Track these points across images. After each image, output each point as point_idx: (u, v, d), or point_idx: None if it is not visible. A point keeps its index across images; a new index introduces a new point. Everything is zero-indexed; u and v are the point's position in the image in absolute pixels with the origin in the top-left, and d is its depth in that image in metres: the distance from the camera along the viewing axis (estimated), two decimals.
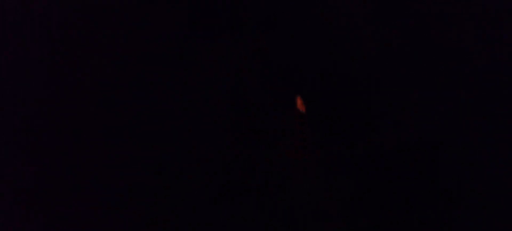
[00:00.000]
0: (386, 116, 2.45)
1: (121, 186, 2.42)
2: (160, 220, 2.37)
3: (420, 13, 2.51)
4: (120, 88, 2.51)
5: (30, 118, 2.50)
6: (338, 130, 2.45)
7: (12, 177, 2.45)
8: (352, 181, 2.40)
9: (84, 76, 2.52)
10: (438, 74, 2.48)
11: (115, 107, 2.49)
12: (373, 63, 2.49)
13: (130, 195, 2.41)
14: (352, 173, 2.41)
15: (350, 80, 2.49)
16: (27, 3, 2.58)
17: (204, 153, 2.45)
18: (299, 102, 1.86)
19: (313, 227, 2.35)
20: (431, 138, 2.43)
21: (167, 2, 2.57)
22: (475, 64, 2.48)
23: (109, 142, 2.47)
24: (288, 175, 2.42)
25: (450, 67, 2.48)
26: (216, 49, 2.52)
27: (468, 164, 2.40)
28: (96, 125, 2.48)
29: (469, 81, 2.47)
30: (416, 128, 2.44)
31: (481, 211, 2.36)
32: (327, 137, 2.44)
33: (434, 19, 2.51)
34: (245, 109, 2.48)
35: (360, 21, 2.53)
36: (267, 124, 2.46)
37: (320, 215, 2.37)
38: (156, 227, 2.37)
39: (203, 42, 2.53)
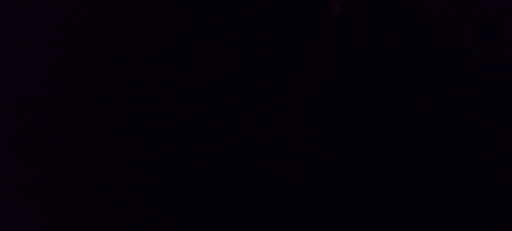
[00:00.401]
0: (386, 116, 2.45)
1: (121, 186, 2.42)
2: (160, 220, 2.37)
3: (420, 13, 2.51)
4: (120, 88, 2.51)
5: (30, 118, 2.50)
6: (338, 130, 2.45)
7: (12, 177, 2.45)
8: (352, 181, 2.40)
9: (84, 76, 2.52)
10: (438, 74, 2.48)
11: (115, 107, 2.49)
12: (373, 63, 2.49)
13: (130, 195, 2.41)
14: (352, 172, 2.41)
15: (350, 80, 2.49)
16: (27, 3, 2.58)
17: (204, 153, 2.45)
18: (334, 5, 1.80)
19: (313, 226, 2.35)
20: (431, 138, 2.43)
21: (167, 2, 2.57)
22: (475, 64, 2.48)
23: (109, 142, 2.47)
24: (288, 174, 2.42)
25: (450, 67, 2.48)
26: (216, 49, 2.52)
27: (468, 164, 2.40)
28: (96, 125, 2.48)
29: (469, 81, 2.47)
30: (417, 127, 2.44)
31: (481, 211, 2.36)
32: (327, 137, 2.44)
33: (434, 19, 2.51)
34: (245, 109, 2.48)
35: (360, 20, 2.53)
36: (267, 124, 2.46)
37: (320, 215, 2.37)
38: (156, 227, 2.37)
39: (203, 42, 2.53)
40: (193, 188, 2.41)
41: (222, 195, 2.40)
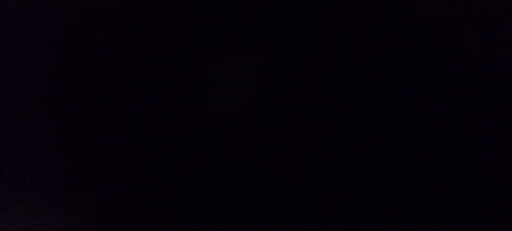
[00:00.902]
0: (386, 116, 2.45)
1: (121, 186, 2.42)
2: (160, 220, 2.37)
3: (420, 13, 2.51)
4: (120, 88, 2.51)
5: (29, 117, 2.50)
6: (338, 130, 2.45)
7: (11, 177, 2.45)
8: (352, 181, 2.40)
9: (84, 76, 2.52)
10: (438, 74, 2.48)
11: (115, 107, 2.49)
12: (373, 63, 2.49)
13: (130, 195, 2.41)
14: (352, 173, 2.41)
15: (350, 80, 2.49)
16: (27, 3, 2.58)
17: (204, 153, 2.45)
18: None
19: (313, 226, 2.35)
20: (431, 138, 2.43)
21: (167, 2, 2.57)
22: (475, 64, 2.48)
23: (109, 142, 2.47)
24: (288, 175, 2.42)
25: (450, 67, 2.48)
26: (216, 49, 2.52)
27: (468, 164, 2.40)
28: (96, 125, 2.48)
29: (469, 81, 2.47)
30: (417, 127, 2.44)
31: (481, 211, 2.36)
32: (327, 137, 2.44)
33: (434, 19, 2.51)
34: (245, 109, 2.48)
35: (360, 20, 2.53)
36: (267, 124, 2.46)
37: (320, 215, 2.37)
38: (156, 227, 2.37)
39: (203, 42, 2.53)
40: (193, 189, 2.41)
41: (222, 195, 2.40)
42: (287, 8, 2.53)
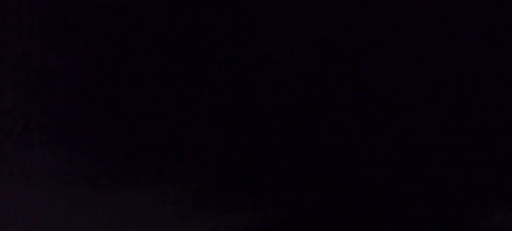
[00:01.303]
0: (386, 116, 2.45)
1: (120, 184, 2.42)
2: (160, 219, 2.38)
3: (420, 13, 2.51)
4: (120, 88, 2.51)
5: (29, 117, 2.50)
6: (339, 129, 2.45)
7: (11, 175, 2.45)
8: (352, 180, 2.40)
9: (84, 76, 2.52)
10: (438, 74, 2.48)
11: (115, 107, 2.49)
12: (373, 63, 2.50)
13: (130, 194, 2.41)
14: (352, 172, 2.41)
15: (350, 81, 2.49)
16: (27, 3, 2.58)
17: (204, 153, 2.45)
18: None
19: (313, 226, 2.35)
20: (431, 137, 2.43)
21: (167, 2, 2.57)
22: (475, 64, 2.48)
23: (108, 141, 2.47)
24: (289, 174, 2.42)
25: (450, 67, 2.48)
26: (216, 49, 2.52)
27: (468, 164, 2.41)
28: (96, 124, 2.48)
29: (469, 81, 2.47)
30: (416, 127, 2.44)
31: (481, 211, 2.36)
32: (328, 136, 2.44)
33: (434, 19, 2.51)
34: (245, 108, 2.48)
35: (360, 21, 2.53)
36: (267, 123, 2.46)
37: (320, 215, 2.37)
38: (157, 225, 2.37)
39: (203, 42, 2.53)
40: (193, 188, 2.41)
41: (222, 194, 2.40)
42: (288, 8, 2.53)
